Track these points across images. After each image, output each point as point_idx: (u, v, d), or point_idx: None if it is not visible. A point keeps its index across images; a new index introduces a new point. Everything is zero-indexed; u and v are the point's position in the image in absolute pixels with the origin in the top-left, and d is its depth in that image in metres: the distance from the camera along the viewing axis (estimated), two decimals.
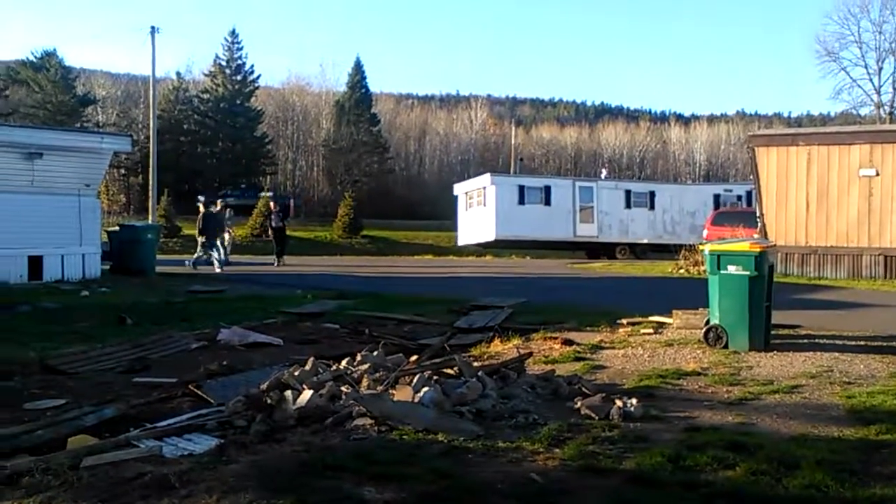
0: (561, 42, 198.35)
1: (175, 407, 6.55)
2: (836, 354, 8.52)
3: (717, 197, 34.92)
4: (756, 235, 17.88)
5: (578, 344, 9.19)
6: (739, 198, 34.47)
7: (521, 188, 34.04)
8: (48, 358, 8.37)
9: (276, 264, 23.93)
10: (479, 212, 34.54)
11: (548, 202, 33.60)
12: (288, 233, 47.61)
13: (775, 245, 13.89)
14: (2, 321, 11.40)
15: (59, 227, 17.37)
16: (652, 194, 35.18)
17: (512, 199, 33.25)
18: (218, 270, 20.97)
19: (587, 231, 33.85)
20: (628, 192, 35.04)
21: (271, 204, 26.32)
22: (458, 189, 37.91)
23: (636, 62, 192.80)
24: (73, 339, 9.82)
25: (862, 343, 9.22)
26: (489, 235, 33.35)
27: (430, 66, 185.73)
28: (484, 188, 34.18)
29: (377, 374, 6.84)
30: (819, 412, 6.24)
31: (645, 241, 33.97)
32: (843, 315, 12.07)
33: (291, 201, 52.56)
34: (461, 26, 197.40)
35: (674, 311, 10.62)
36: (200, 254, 22.04)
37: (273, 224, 25.24)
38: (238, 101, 64.02)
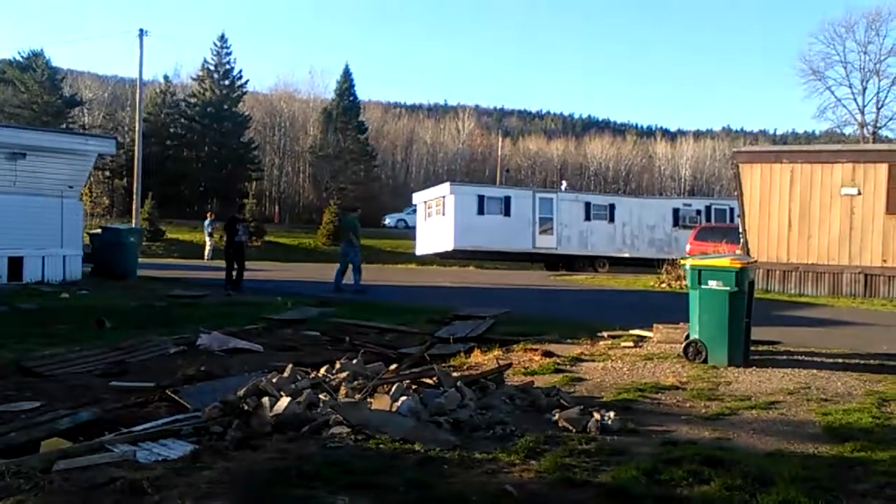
0: (549, 55, 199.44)
1: (151, 412, 6.51)
2: (815, 371, 8.57)
3: (676, 211, 35.08)
4: (738, 251, 17.98)
5: (558, 356, 9.21)
6: (699, 212, 34.78)
7: (481, 198, 33.33)
8: (25, 359, 8.31)
9: (229, 290, 17.53)
10: (437, 221, 33.95)
11: (507, 213, 33.03)
12: (272, 239, 47.36)
13: (756, 261, 13.97)
14: None
15: (40, 229, 17.25)
16: (612, 207, 34.93)
17: (471, 210, 32.59)
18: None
19: (546, 243, 33.45)
20: (588, 205, 34.70)
21: (244, 214, 21.32)
22: (417, 198, 37.24)
23: (623, 77, 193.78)
24: (51, 342, 9.74)
25: (840, 361, 9.27)
26: (447, 245, 32.84)
27: (418, 76, 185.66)
28: (443, 197, 33.60)
29: (356, 383, 6.81)
30: (795, 429, 6.27)
31: (604, 253, 33.85)
32: (822, 332, 12.13)
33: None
34: (450, 36, 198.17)
35: (654, 326, 10.67)
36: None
37: (237, 237, 18.64)
38: (225, 106, 63.74)
